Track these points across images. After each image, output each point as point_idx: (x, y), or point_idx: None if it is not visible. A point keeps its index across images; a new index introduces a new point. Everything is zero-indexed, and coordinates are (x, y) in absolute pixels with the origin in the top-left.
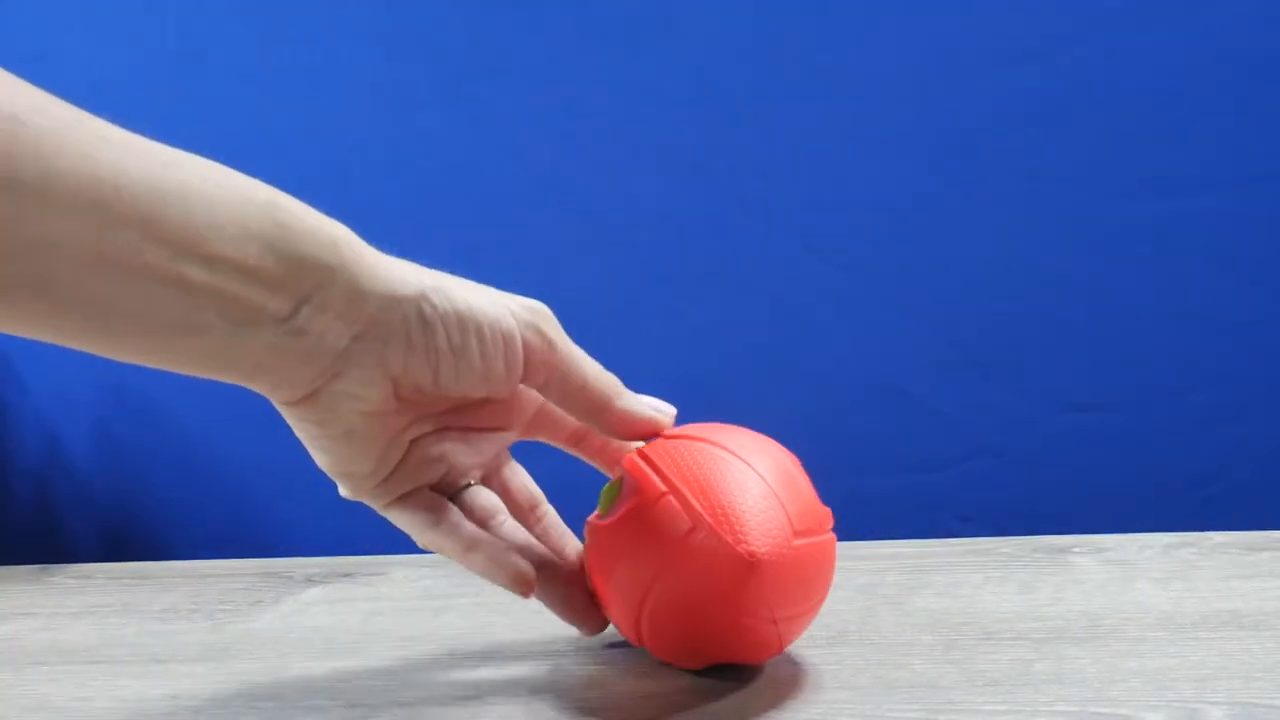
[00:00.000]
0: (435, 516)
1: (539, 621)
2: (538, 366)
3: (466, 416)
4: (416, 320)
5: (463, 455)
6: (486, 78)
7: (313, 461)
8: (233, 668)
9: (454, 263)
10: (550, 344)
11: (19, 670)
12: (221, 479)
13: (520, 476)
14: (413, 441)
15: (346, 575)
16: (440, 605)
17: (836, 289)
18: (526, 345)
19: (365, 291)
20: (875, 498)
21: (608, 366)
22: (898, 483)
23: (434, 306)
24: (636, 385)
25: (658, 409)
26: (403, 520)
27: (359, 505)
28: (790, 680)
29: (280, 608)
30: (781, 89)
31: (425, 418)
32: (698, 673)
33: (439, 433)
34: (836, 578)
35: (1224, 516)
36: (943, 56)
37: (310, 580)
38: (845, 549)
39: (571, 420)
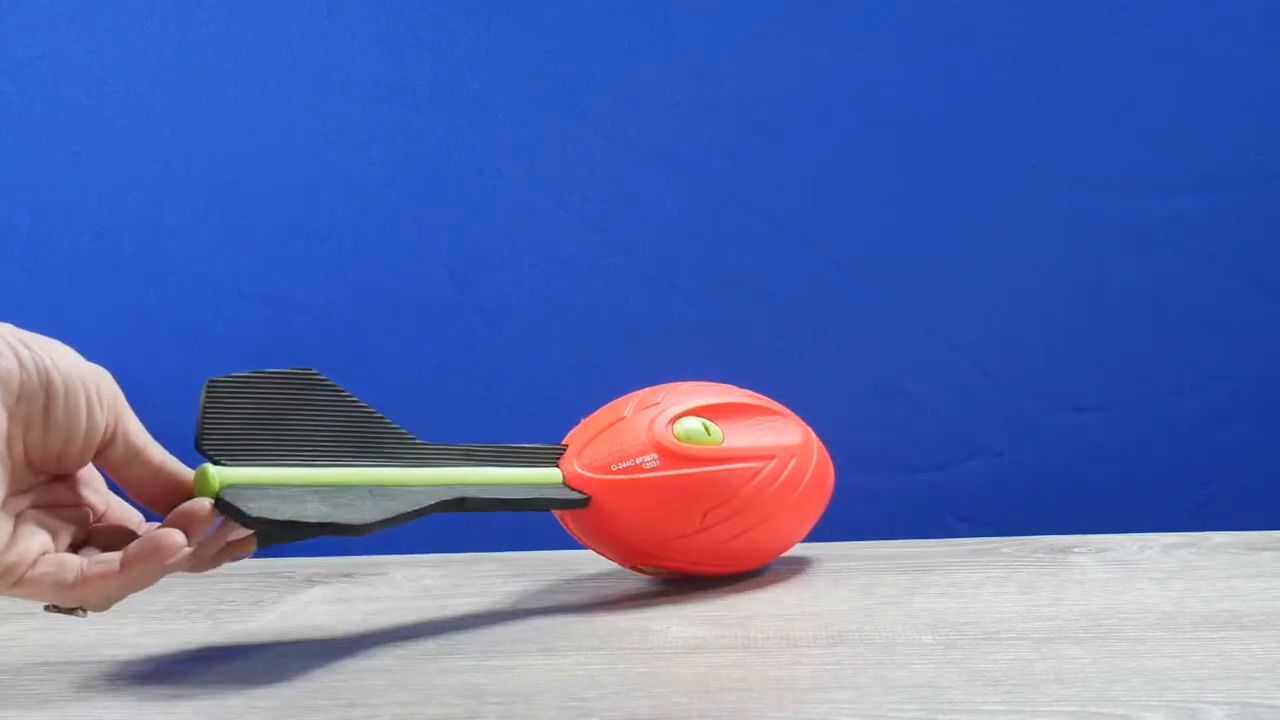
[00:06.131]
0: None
1: (539, 622)
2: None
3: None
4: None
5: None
6: (486, 78)
7: None
8: (233, 668)
9: (454, 262)
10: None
11: (19, 670)
12: None
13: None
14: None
15: (346, 575)
16: (440, 605)
17: (837, 289)
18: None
19: None
20: (875, 498)
21: (609, 366)
22: (898, 483)
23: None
24: (637, 385)
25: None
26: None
27: None
28: (790, 680)
29: (280, 608)
30: (782, 89)
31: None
32: (702, 666)
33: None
34: (837, 578)
35: (1224, 516)
36: (943, 56)
37: (310, 580)
38: (845, 549)
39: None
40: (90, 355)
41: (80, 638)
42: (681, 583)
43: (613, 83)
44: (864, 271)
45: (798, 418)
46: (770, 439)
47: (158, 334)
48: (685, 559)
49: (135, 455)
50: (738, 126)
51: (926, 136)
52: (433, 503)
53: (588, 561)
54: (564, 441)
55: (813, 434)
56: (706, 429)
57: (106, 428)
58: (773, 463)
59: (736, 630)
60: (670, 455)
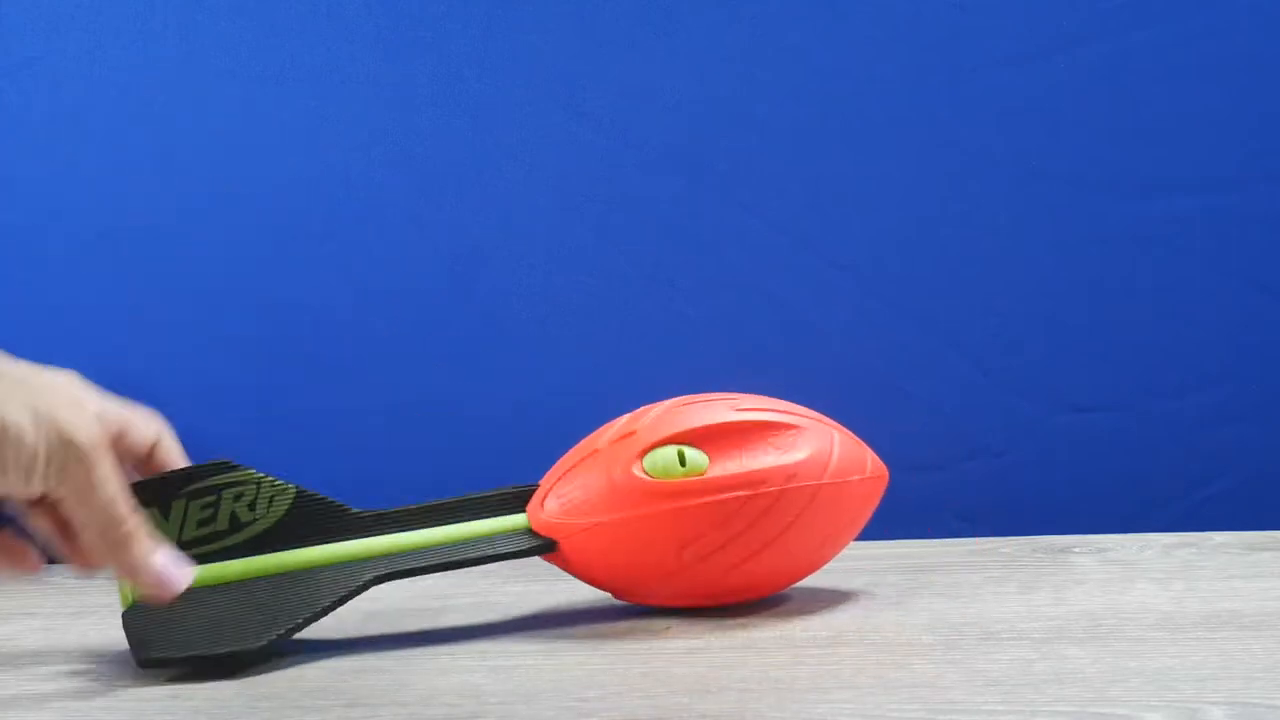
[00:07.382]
0: None
1: (539, 622)
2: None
3: None
4: None
5: None
6: (486, 78)
7: (312, 462)
8: (233, 668)
9: (455, 263)
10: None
11: (19, 670)
12: None
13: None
14: None
15: None
16: (440, 605)
17: (837, 289)
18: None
19: None
20: None
21: (609, 366)
22: (898, 483)
23: None
24: (636, 385)
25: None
26: None
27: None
28: (790, 680)
29: None
30: (782, 89)
31: None
32: (702, 666)
33: None
34: (837, 578)
35: (1224, 516)
36: (943, 56)
37: None
38: (846, 549)
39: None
40: (89, 355)
41: (80, 638)
42: None
43: (613, 83)
44: (864, 271)
45: (825, 423)
46: (767, 460)
47: (157, 334)
48: (677, 597)
49: None
50: (738, 126)
51: (926, 136)
52: (357, 585)
53: None
54: (541, 481)
55: (836, 440)
56: (682, 458)
57: None
58: (766, 488)
59: (736, 630)
60: (637, 493)
